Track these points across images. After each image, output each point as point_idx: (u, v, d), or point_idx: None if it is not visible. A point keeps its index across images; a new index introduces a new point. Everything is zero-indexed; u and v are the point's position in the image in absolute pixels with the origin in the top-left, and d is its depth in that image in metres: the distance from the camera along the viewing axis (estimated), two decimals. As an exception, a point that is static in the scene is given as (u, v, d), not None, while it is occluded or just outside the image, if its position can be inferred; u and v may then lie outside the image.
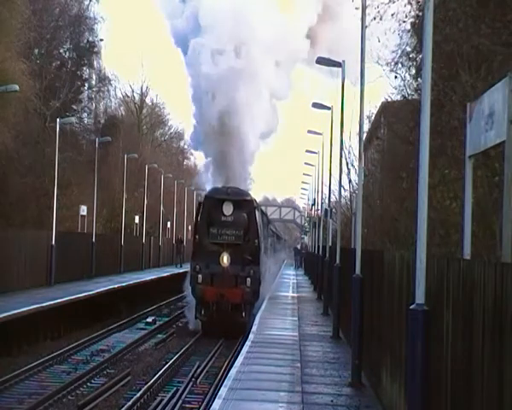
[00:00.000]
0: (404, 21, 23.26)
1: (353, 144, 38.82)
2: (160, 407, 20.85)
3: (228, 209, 30.39)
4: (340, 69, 26.42)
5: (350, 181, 41.58)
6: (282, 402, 16.18)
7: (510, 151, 9.43)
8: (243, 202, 31.41)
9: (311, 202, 66.76)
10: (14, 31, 46.81)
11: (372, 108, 38.58)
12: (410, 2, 22.08)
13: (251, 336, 25.78)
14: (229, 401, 16.13)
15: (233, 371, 19.88)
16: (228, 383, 18.15)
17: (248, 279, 29.98)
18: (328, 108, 33.77)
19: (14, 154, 45.81)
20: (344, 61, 25.96)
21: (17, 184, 47.15)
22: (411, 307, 10.07)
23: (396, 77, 26.84)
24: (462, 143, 12.51)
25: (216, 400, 16.13)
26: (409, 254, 13.27)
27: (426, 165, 9.78)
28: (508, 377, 7.40)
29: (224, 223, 30.62)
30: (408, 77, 26.54)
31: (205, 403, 20.08)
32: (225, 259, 30.15)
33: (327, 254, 35.12)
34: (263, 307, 34.61)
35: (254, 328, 28.02)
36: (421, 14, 19.65)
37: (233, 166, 36.81)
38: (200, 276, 29.90)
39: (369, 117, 38.38)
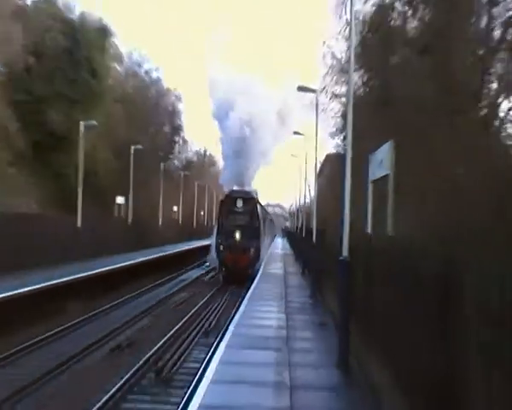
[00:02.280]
0: (339, 111, 26.74)
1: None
2: (209, 310, 27.05)
3: (239, 204, 37.06)
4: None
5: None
6: (277, 304, 22.01)
7: (391, 179, 12.15)
8: (249, 200, 37.47)
9: (293, 206, 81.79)
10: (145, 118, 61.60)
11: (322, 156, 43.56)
12: (340, 103, 25.82)
13: (261, 271, 33.87)
14: (251, 302, 21.74)
15: (253, 285, 26.72)
16: (248, 294, 23.94)
17: (252, 249, 36.15)
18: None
19: (117, 173, 50.53)
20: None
21: (108, 190, 49.73)
22: (340, 258, 12.35)
23: (333, 138, 30.63)
24: (366, 175, 14.15)
25: (241, 307, 21.12)
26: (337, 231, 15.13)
27: (348, 186, 12.49)
28: (382, 302, 9.56)
29: (237, 212, 36.71)
30: (340, 141, 29.42)
31: (235, 308, 24.59)
32: (238, 235, 36.37)
33: (299, 230, 44.78)
34: (265, 259, 41.97)
35: (262, 266, 36.95)
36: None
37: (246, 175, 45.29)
38: (221, 246, 36.10)
39: (320, 161, 42.67)
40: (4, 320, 19.42)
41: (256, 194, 40.68)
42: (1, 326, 19.12)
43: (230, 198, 37.48)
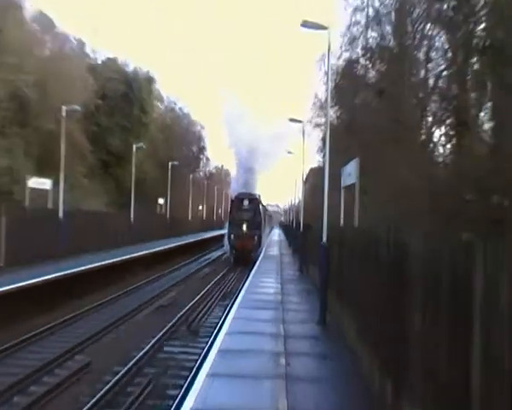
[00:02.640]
0: (319, 136, 26.92)
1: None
2: (225, 281, 26.42)
3: (246, 203, 35.12)
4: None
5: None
6: (275, 277, 21.53)
7: (357, 186, 11.99)
8: (253, 199, 35.69)
9: (286, 205, 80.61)
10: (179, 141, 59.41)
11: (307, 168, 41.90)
12: (320, 130, 26.28)
13: (263, 253, 33.23)
14: (255, 275, 21.31)
15: (256, 263, 26.41)
16: (253, 270, 23.49)
17: (256, 237, 34.15)
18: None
19: (159, 181, 49.34)
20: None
21: (152, 193, 48.16)
22: (321, 243, 12.33)
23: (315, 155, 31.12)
24: (339, 183, 13.93)
25: (248, 279, 20.84)
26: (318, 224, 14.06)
27: (326, 191, 12.35)
28: (357, 274, 9.16)
29: (244, 209, 34.74)
30: (320, 158, 30.18)
31: (244, 279, 23.26)
32: (245, 227, 34.23)
33: (291, 223, 43.80)
34: (265, 244, 41.08)
35: (263, 250, 35.68)
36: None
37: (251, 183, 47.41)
38: (232, 235, 34.21)
39: (307, 173, 40.02)
40: (96, 282, 21.29)
41: (259, 196, 39.53)
42: (97, 285, 21.27)
43: (239, 199, 36.06)
